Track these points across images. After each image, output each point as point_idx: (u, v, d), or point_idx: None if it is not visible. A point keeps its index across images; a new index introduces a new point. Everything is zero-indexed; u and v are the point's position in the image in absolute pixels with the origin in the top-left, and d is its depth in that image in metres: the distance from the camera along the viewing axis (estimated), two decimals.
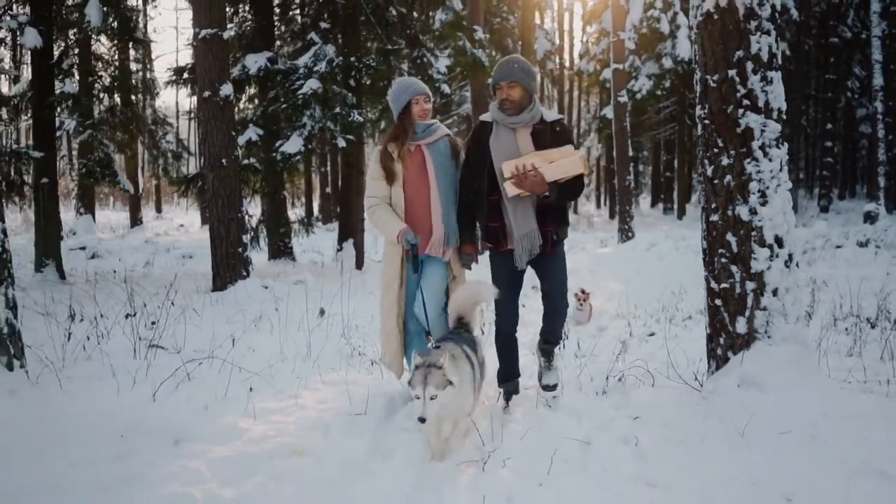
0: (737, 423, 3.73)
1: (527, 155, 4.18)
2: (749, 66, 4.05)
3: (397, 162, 4.49)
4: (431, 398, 3.40)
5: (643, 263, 13.06)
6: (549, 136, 4.25)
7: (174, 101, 40.11)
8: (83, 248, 17.17)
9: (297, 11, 14.10)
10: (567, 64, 39.10)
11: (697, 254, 11.05)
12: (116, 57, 14.98)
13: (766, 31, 4.07)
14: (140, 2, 21.72)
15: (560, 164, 4.10)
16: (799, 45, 28.40)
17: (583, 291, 8.20)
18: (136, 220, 26.55)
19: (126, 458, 3.56)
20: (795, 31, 27.87)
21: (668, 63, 25.57)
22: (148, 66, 18.51)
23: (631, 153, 19.18)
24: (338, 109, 10.77)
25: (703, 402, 4.07)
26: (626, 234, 17.39)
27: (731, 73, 4.08)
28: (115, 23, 12.40)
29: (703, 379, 4.46)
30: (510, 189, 4.16)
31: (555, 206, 4.26)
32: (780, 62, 4.14)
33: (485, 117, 4.40)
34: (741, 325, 4.13)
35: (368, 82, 11.72)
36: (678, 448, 3.63)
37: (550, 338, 4.56)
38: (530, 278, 4.69)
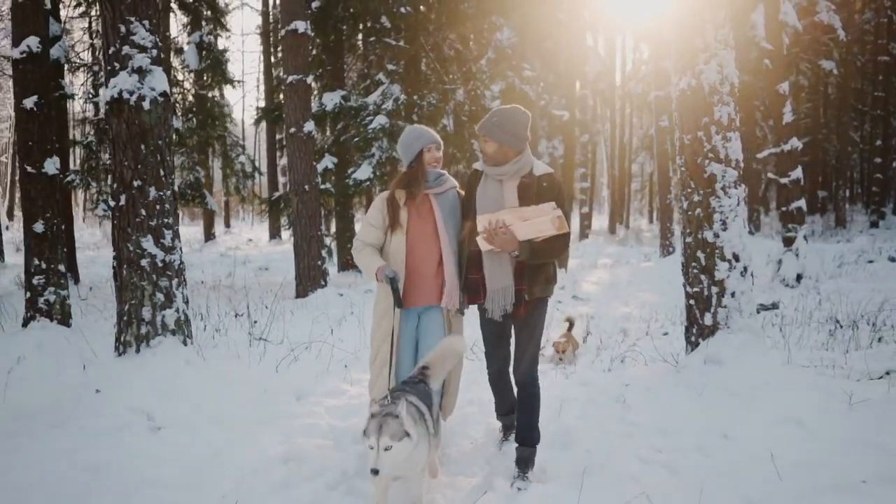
0: (698, 388, 5.19)
1: (502, 211, 4.08)
2: (713, 129, 5.53)
3: (403, 209, 4.43)
4: (386, 449, 3.27)
5: (677, 276, 14.36)
6: (534, 190, 4.14)
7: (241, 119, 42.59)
8: None
9: (363, 52, 15.85)
10: (619, 84, 40.28)
11: None
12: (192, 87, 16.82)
13: (726, 102, 5.55)
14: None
15: (533, 223, 3.98)
16: (848, 62, 29.09)
17: (569, 323, 7.89)
18: (209, 235, 28.46)
19: (270, 404, 5.24)
20: (844, 50, 28.60)
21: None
22: (223, 96, 20.52)
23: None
24: None
25: (676, 374, 5.56)
26: (666, 249, 18.59)
27: (700, 133, 5.57)
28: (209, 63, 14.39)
29: (680, 359, 5.93)
30: (482, 244, 4.09)
31: (533, 264, 4.13)
32: (738, 125, 5.61)
33: (477, 166, 4.37)
34: (708, 319, 5.60)
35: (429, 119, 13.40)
36: (653, 403, 5.13)
37: (522, 440, 4.28)
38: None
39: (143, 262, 5.51)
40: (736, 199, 5.55)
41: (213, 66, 15.07)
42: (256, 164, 22.02)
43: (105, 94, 5.47)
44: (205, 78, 15.07)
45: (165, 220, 5.59)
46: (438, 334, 4.46)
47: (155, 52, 5.52)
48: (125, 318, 5.61)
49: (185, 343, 5.78)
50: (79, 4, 14.17)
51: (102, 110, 5.74)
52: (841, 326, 7.54)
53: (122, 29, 5.37)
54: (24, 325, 8.02)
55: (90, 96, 14.22)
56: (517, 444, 4.28)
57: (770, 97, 14.59)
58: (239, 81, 15.65)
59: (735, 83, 5.60)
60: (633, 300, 11.97)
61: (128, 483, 4.07)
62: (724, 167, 5.53)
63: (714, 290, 5.57)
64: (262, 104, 28.21)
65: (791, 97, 13.46)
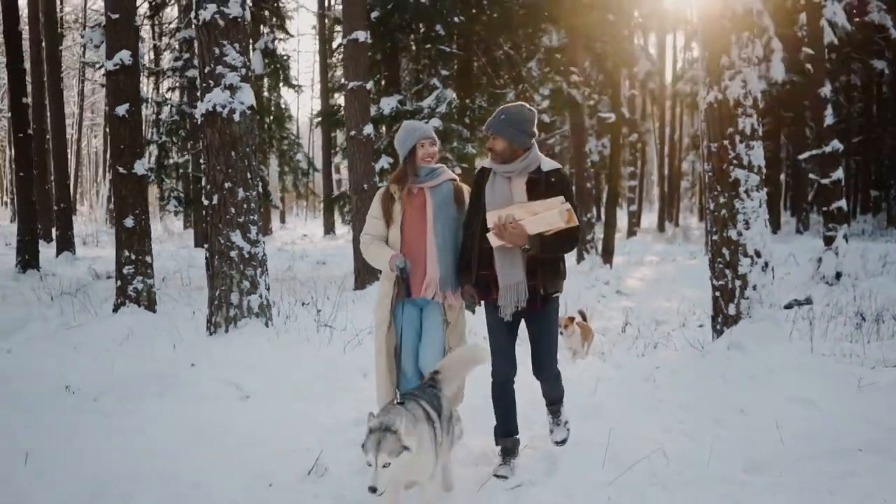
0: (720, 370, 5.82)
1: (511, 206, 4.16)
2: (737, 138, 6.14)
3: (397, 203, 4.53)
4: (384, 466, 3.26)
5: None
6: (543, 186, 4.21)
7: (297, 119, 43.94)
8: None
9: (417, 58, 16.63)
10: (668, 83, 40.41)
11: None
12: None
13: (749, 114, 6.15)
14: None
15: (542, 217, 4.04)
16: None
17: (581, 316, 7.65)
18: (266, 231, 29.57)
19: (341, 379, 6.03)
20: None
21: (762, 85, 26.82)
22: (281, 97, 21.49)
23: None
24: (455, 144, 13.21)
25: (702, 358, 6.19)
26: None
27: (725, 142, 6.18)
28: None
29: (706, 345, 6.55)
30: (493, 239, 4.14)
31: (547, 258, 4.20)
32: (760, 134, 6.21)
33: (486, 163, 4.43)
34: (732, 309, 6.21)
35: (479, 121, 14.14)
36: (679, 383, 5.77)
37: (550, 400, 4.63)
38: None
39: (232, 254, 6.37)
40: (758, 201, 6.14)
41: (277, 72, 16.00)
42: (312, 160, 23.03)
43: (200, 108, 6.32)
44: (267, 82, 16.00)
45: (251, 217, 6.44)
46: (435, 328, 4.55)
47: (244, 70, 6.36)
48: (216, 302, 6.47)
49: (266, 325, 6.62)
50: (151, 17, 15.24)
51: (199, 121, 6.55)
52: (864, 320, 8.02)
53: (216, 51, 6.23)
54: (115, 310, 8.96)
55: (164, 100, 15.29)
56: (546, 403, 4.65)
57: (812, 100, 14.93)
58: (301, 86, 16.55)
59: (758, 97, 6.20)
60: (674, 295, 12.51)
61: (225, 439, 4.86)
62: (747, 172, 6.13)
63: (737, 283, 6.18)
64: (318, 100, 28.98)
65: (832, 100, 13.81)
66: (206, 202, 6.43)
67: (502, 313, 4.25)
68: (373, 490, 3.22)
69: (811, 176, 16.77)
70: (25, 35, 20.52)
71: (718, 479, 4.10)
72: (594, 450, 4.43)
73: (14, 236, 23.97)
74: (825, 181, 13.66)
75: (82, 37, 36.93)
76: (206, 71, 6.30)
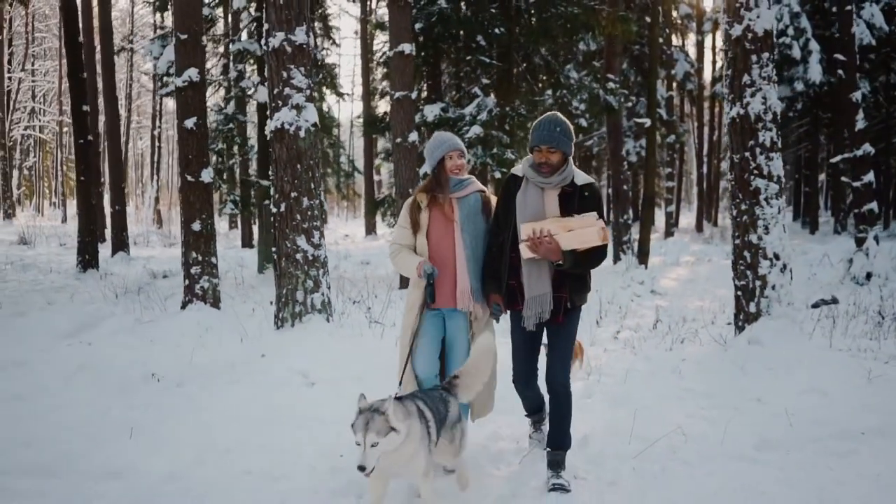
0: (741, 363, 6.38)
1: (546, 220, 4.17)
2: (758, 150, 6.69)
3: (424, 212, 4.57)
4: (372, 445, 3.33)
5: None
6: (576, 199, 4.22)
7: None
8: None
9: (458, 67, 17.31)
10: (707, 84, 40.53)
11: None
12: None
13: (769, 128, 6.69)
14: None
15: (577, 233, 4.07)
16: None
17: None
18: None
19: (392, 370, 6.68)
20: None
21: (799, 86, 27.01)
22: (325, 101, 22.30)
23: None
24: (495, 150, 13.86)
25: (724, 352, 6.75)
26: None
27: (747, 154, 6.74)
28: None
29: (728, 340, 7.11)
30: (524, 251, 4.17)
31: (574, 272, 4.22)
32: (779, 146, 6.76)
33: (516, 171, 4.41)
34: (752, 307, 6.77)
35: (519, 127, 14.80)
36: (703, 374, 6.35)
37: (554, 443, 4.38)
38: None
39: (298, 256, 7.10)
40: (777, 208, 6.68)
41: (325, 81, 16.79)
42: (353, 162, 23.79)
43: (270, 125, 7.06)
44: (315, 90, 16.77)
45: (314, 224, 7.17)
46: (461, 340, 4.56)
47: (308, 91, 7.10)
48: (283, 299, 7.21)
49: (327, 320, 7.36)
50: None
51: (268, 137, 7.30)
52: (883, 318, 8.48)
53: (284, 74, 6.97)
54: (183, 307, 9.75)
55: (219, 108, 16.18)
56: (549, 448, 4.39)
57: (843, 105, 15.29)
58: (347, 93, 17.32)
59: (777, 112, 6.73)
60: (708, 295, 12.95)
61: (296, 418, 5.56)
62: (766, 182, 6.67)
63: (757, 283, 6.73)
64: (359, 102, 29.77)
65: (865, 104, 14.17)
66: (274, 210, 7.17)
67: (525, 323, 4.30)
68: (361, 468, 3.32)
69: (842, 179, 17.10)
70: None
71: (732, 456, 4.69)
72: (621, 429, 5.05)
73: (67, 237, 25.33)
74: (856, 184, 14.03)
75: (130, 42, 38.39)
76: (275, 92, 7.05)
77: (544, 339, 4.52)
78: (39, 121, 48.80)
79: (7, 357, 7.45)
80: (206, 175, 9.72)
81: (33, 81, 47.87)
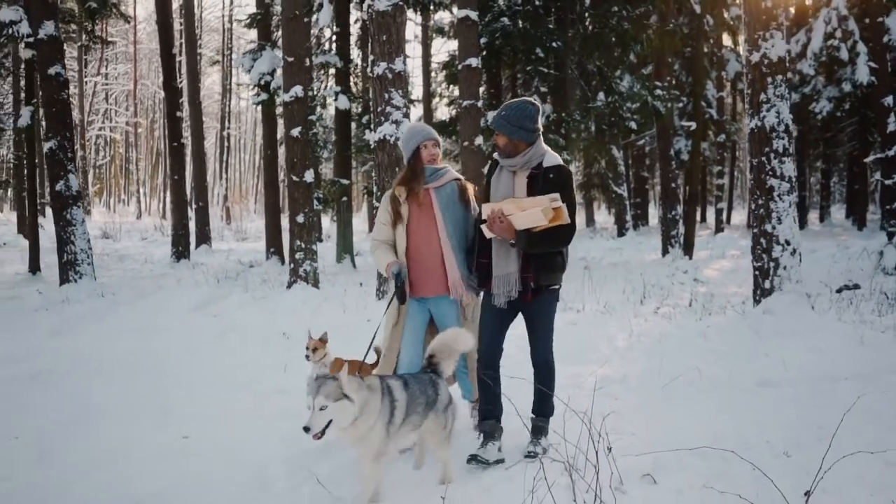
0: (756, 328, 7.86)
1: (505, 200, 4.27)
2: (772, 155, 8.15)
3: (404, 205, 4.62)
4: (321, 409, 3.37)
5: None
6: (540, 182, 4.28)
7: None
8: None
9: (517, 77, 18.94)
10: None
11: (824, 262, 14.70)
12: None
13: (782, 137, 8.15)
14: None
15: (528, 213, 4.13)
16: None
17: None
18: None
19: None
20: None
21: (847, 87, 27.82)
22: None
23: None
24: None
25: (743, 320, 8.25)
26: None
27: (763, 158, 8.21)
28: None
29: (746, 311, 8.60)
30: (486, 231, 4.29)
31: (532, 252, 4.27)
32: (791, 152, 8.18)
33: (496, 156, 4.51)
34: (767, 284, 8.25)
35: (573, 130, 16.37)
36: (724, 337, 7.86)
37: (538, 409, 4.56)
38: None
39: None
40: (788, 202, 8.13)
41: None
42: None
43: (373, 136, 8.83)
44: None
45: None
46: (452, 321, 4.60)
47: (405, 109, 8.80)
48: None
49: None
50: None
51: (372, 146, 9.04)
52: (888, 297, 9.82)
53: (386, 96, 8.70)
54: (289, 286, 11.57)
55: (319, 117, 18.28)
56: (533, 415, 4.55)
57: (875, 109, 16.45)
58: (418, 101, 19.06)
59: (789, 124, 8.18)
60: (746, 284, 14.25)
61: None
62: (779, 181, 8.14)
63: (771, 264, 8.20)
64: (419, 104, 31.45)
65: (894, 109, 15.39)
66: (377, 205, 8.91)
67: (495, 301, 4.39)
68: (306, 429, 3.38)
69: (876, 177, 18.21)
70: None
71: (737, 388, 6.20)
72: (654, 371, 6.62)
73: (146, 231, 27.74)
74: (888, 182, 15.24)
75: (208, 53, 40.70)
76: (377, 109, 8.81)
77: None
78: (112, 122, 51.70)
79: (152, 324, 9.40)
80: (309, 175, 11.54)
81: (106, 84, 50.79)
